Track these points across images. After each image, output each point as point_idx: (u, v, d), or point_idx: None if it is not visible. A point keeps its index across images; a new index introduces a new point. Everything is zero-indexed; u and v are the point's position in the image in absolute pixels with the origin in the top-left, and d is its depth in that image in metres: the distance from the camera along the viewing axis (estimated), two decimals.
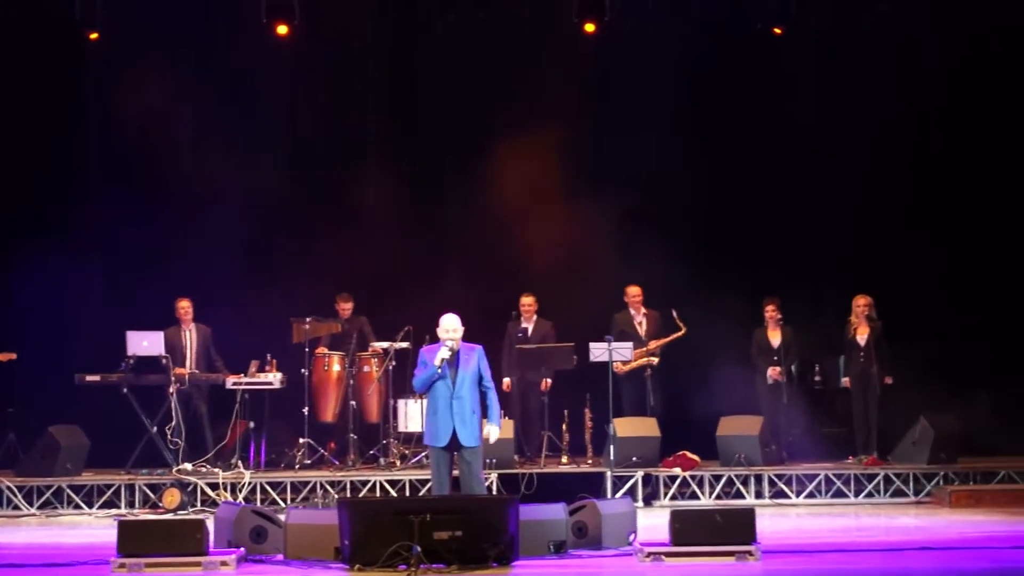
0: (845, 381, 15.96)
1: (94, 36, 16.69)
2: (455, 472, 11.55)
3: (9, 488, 14.62)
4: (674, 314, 15.82)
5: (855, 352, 15.80)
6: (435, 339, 11.75)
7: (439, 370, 11.35)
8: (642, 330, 16.01)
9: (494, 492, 14.43)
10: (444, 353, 11.37)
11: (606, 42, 17.18)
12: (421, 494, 14.21)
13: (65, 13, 16.45)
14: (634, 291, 16.10)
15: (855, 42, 17.10)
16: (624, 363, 15.58)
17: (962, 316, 16.66)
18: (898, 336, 15.88)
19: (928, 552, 11.13)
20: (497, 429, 11.70)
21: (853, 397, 15.85)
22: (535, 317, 16.14)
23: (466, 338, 11.56)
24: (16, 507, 14.57)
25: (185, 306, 15.72)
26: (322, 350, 15.79)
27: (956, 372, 16.22)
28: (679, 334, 15.79)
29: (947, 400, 15.76)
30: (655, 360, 15.84)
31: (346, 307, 16.03)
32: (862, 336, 15.74)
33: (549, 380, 15.74)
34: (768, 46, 17.08)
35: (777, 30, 16.97)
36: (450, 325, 11.48)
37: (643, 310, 16.08)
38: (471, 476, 11.41)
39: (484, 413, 11.54)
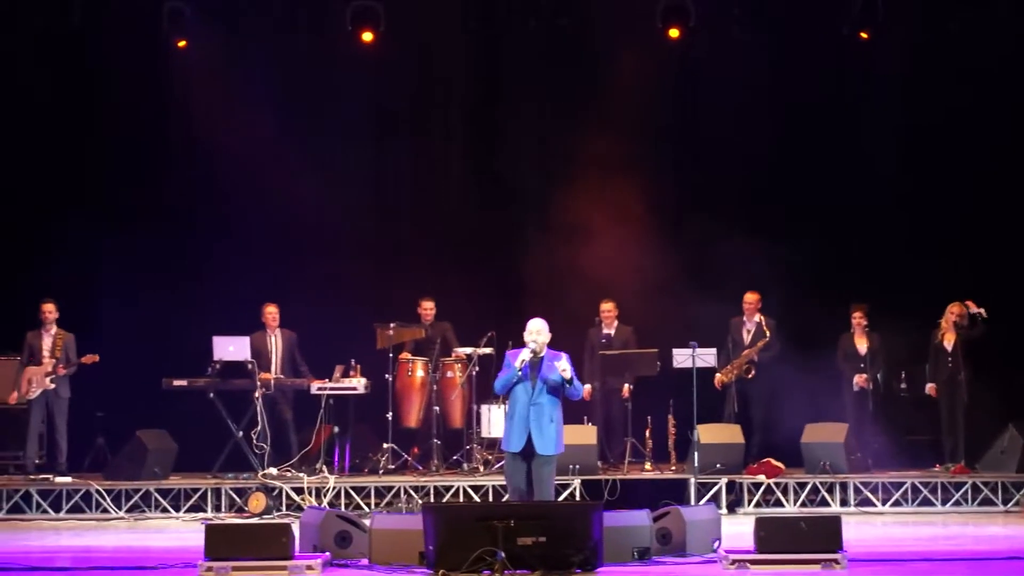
0: (930, 388, 15.79)
1: (182, 44, 16.91)
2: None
3: (98, 491, 14.79)
4: (762, 320, 15.76)
5: (942, 358, 15.62)
6: (520, 344, 11.57)
7: (519, 372, 11.15)
8: (748, 338, 15.96)
9: (577, 498, 14.44)
10: (525, 355, 11.15)
11: (690, 48, 17.14)
12: (504, 499, 14.22)
13: (154, 21, 16.71)
14: (748, 298, 15.99)
15: (943, 46, 16.90)
16: (725, 375, 15.68)
17: None
18: (987, 343, 15.67)
19: (1016, 562, 10.97)
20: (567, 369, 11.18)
21: (940, 404, 15.68)
22: (616, 323, 16.13)
23: (552, 344, 11.45)
24: (105, 510, 14.74)
25: (272, 311, 15.83)
26: (406, 355, 15.86)
27: None
28: (764, 341, 15.72)
29: None
30: (747, 370, 15.76)
31: (428, 306, 16.03)
32: (949, 342, 15.57)
33: (629, 386, 15.74)
34: (855, 51, 16.96)
35: (864, 34, 16.84)
36: (534, 327, 11.26)
37: (757, 317, 15.93)
38: (542, 485, 11.20)
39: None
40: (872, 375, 15.76)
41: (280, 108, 17.01)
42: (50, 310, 15.50)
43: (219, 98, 16.86)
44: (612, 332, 16.11)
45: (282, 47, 17.10)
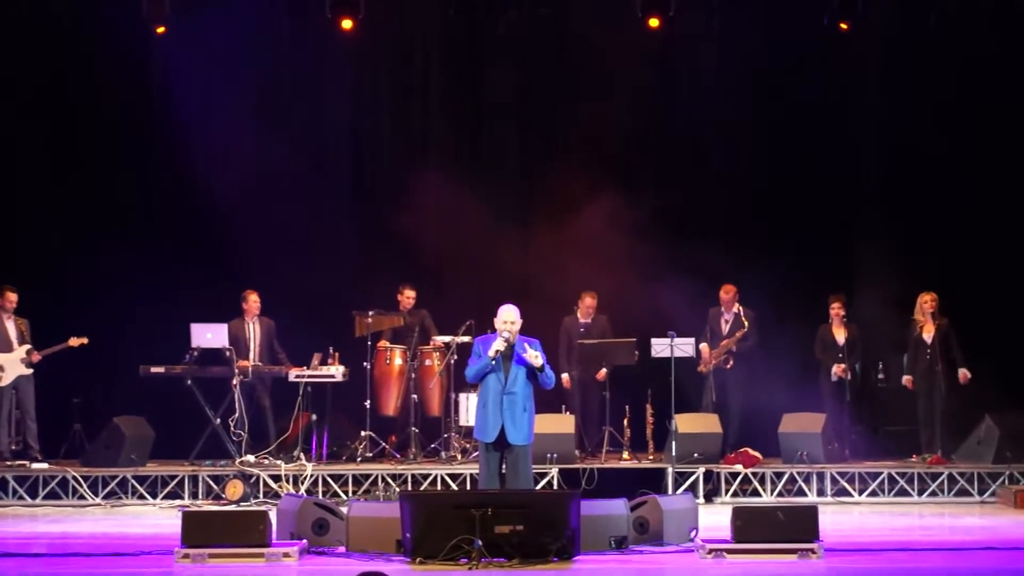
0: (906, 380, 15.82)
1: (161, 30, 16.82)
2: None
3: (75, 478, 14.75)
4: (740, 311, 15.78)
5: (921, 350, 15.66)
6: (494, 330, 11.46)
7: (492, 362, 11.03)
8: (726, 328, 15.97)
9: (555, 487, 14.44)
10: (499, 344, 11.01)
11: (670, 37, 17.14)
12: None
13: (132, 8, 16.64)
14: (724, 294, 16.03)
15: (921, 38, 16.93)
16: (704, 365, 15.76)
17: None
18: (962, 334, 15.71)
19: (992, 552, 11.03)
20: (538, 355, 11.10)
21: (918, 395, 15.72)
22: (593, 313, 16.14)
23: (529, 333, 11.41)
24: (82, 497, 14.71)
25: (255, 299, 15.79)
26: (384, 343, 15.85)
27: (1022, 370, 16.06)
28: (742, 331, 15.74)
29: (1013, 398, 15.59)
30: (726, 360, 15.79)
31: (410, 295, 16.03)
32: (928, 334, 15.60)
33: (604, 370, 15.76)
34: (835, 42, 16.97)
35: (843, 25, 16.85)
36: (508, 316, 11.11)
37: (735, 308, 15.90)
38: (517, 475, 11.14)
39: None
40: (850, 365, 15.79)
41: (259, 95, 17.02)
42: (13, 299, 15.43)
43: (197, 84, 16.82)
44: (589, 321, 16.11)
45: (262, 34, 17.04)
